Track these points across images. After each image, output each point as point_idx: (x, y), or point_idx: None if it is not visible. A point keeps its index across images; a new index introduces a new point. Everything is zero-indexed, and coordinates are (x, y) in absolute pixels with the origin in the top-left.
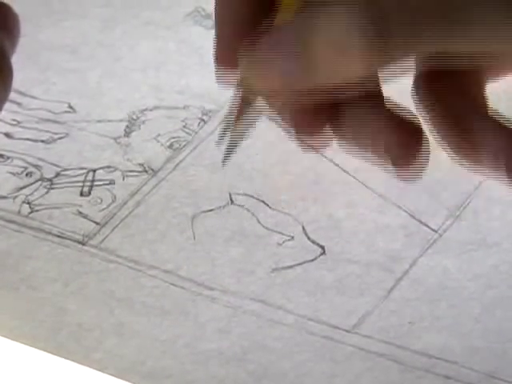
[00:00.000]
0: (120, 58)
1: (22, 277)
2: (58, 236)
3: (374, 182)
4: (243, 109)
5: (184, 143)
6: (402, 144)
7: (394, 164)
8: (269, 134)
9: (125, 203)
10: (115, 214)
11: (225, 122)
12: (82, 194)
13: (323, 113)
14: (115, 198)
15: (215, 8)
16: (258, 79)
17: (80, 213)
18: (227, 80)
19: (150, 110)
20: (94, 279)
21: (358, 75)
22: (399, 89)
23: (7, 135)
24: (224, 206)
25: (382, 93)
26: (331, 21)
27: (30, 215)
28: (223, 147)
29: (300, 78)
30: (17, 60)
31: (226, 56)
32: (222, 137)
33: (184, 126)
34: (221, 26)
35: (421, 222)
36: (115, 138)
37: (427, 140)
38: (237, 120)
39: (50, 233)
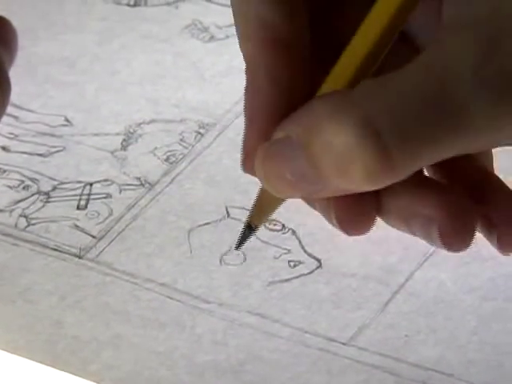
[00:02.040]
0: (117, 72)
1: (18, 290)
2: (55, 249)
3: None
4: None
5: (181, 157)
6: (454, 231)
7: (447, 244)
8: None
9: (121, 217)
10: (112, 228)
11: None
12: (78, 208)
13: (365, 203)
14: (112, 211)
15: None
16: (273, 190)
17: (77, 226)
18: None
19: (147, 124)
20: (90, 292)
21: (366, 190)
22: None
23: (4, 148)
24: (220, 220)
25: (425, 177)
26: (333, 139)
27: (27, 229)
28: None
29: (312, 192)
30: (14, 73)
31: (249, 165)
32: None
33: (181, 140)
34: (248, 130)
35: None
36: (112, 152)
37: (475, 213)
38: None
39: (46, 246)
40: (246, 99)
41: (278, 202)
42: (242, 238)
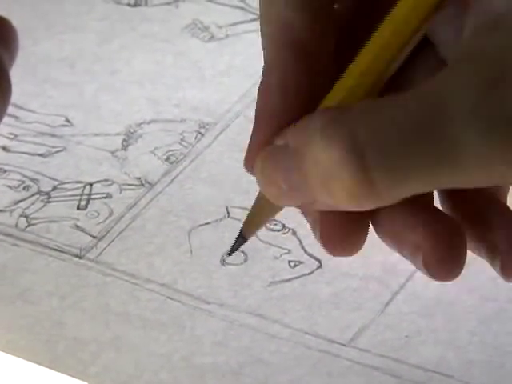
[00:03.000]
0: (117, 72)
1: (18, 291)
2: (55, 250)
3: None
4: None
5: (181, 156)
6: (439, 262)
7: (431, 275)
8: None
9: (122, 217)
10: (112, 228)
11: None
12: (79, 208)
13: (356, 223)
14: (112, 211)
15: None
16: (268, 196)
17: (77, 226)
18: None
19: (147, 124)
20: (90, 293)
21: (351, 209)
22: None
23: (4, 149)
24: (221, 220)
25: (419, 201)
26: (320, 154)
27: (27, 229)
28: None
29: (303, 203)
30: (14, 73)
31: (250, 163)
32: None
33: (181, 139)
34: (256, 130)
35: None
36: (112, 152)
37: (465, 244)
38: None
39: (46, 246)
40: (258, 98)
41: (273, 211)
42: (234, 246)
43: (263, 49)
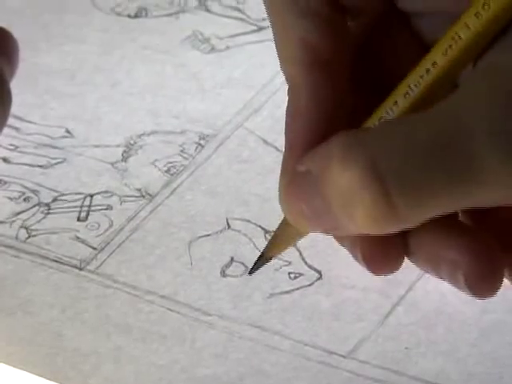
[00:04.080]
0: (118, 83)
1: (19, 302)
2: (56, 261)
3: None
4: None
5: (181, 168)
6: (480, 277)
7: (473, 290)
8: (265, 159)
9: (122, 228)
10: (112, 239)
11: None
12: (79, 219)
13: (392, 243)
14: (112, 223)
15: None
16: (293, 224)
17: (77, 238)
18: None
19: (148, 135)
20: (91, 304)
21: (373, 233)
22: None
23: (5, 160)
24: (221, 231)
25: (453, 220)
26: (340, 179)
27: (28, 240)
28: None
29: (329, 230)
30: (15, 85)
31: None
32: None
33: (181, 151)
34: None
35: None
36: (112, 163)
37: (500, 256)
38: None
39: (47, 258)
40: (286, 122)
41: (297, 236)
42: (255, 265)
43: (283, 71)
